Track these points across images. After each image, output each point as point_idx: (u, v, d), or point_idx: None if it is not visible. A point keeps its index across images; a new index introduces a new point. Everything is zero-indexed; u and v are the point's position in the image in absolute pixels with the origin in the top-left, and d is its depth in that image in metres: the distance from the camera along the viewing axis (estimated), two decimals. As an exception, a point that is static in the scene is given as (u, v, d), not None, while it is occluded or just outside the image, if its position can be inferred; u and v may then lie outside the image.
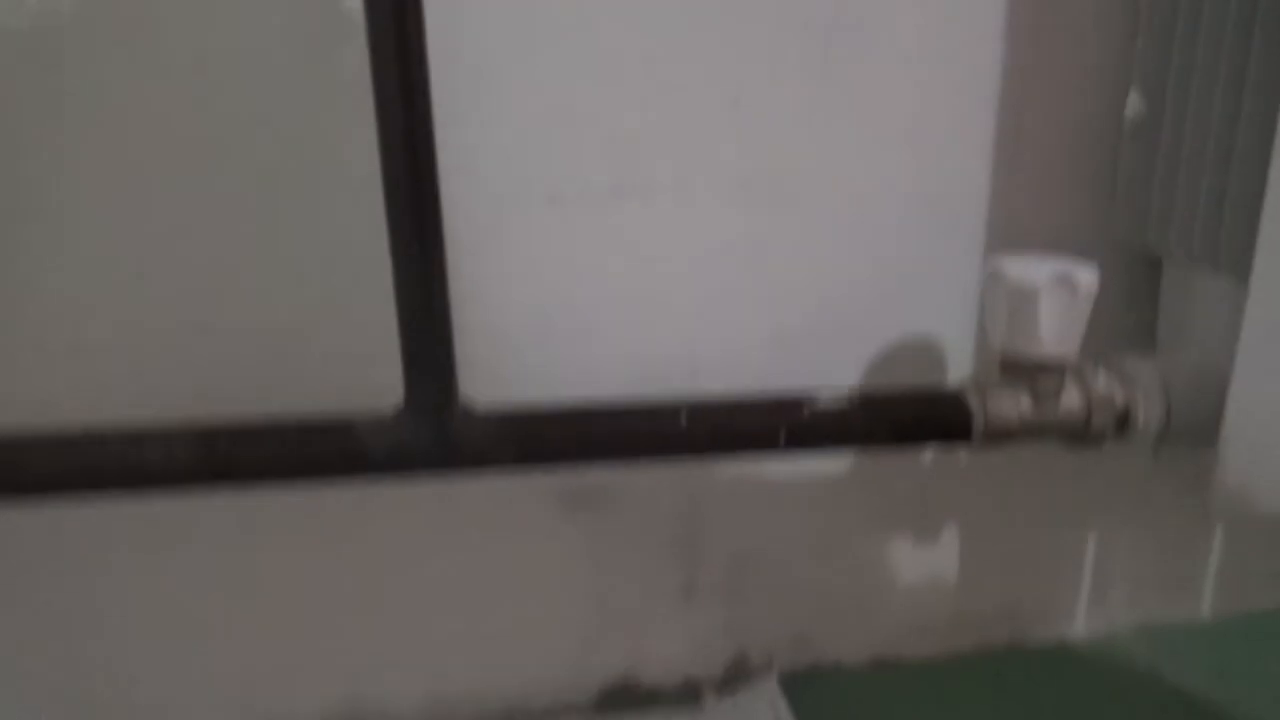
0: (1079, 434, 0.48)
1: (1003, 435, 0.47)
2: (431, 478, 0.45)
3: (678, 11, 0.49)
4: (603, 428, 0.45)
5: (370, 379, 0.45)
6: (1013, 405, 0.47)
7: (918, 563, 0.62)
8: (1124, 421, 0.48)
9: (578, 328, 0.52)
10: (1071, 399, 0.48)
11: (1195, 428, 0.48)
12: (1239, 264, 0.44)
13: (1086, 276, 0.45)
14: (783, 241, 0.53)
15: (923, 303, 0.56)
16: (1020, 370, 0.48)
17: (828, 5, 0.49)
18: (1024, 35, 0.52)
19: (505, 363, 0.52)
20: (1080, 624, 0.66)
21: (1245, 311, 0.42)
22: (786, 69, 0.50)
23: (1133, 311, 0.57)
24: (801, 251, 0.54)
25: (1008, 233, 0.55)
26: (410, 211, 0.41)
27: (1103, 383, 0.48)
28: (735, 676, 0.62)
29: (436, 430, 0.44)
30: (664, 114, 0.50)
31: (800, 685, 0.61)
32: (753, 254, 0.53)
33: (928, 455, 0.59)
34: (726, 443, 0.46)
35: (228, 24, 0.45)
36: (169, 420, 0.43)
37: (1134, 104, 0.52)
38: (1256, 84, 0.43)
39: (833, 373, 0.56)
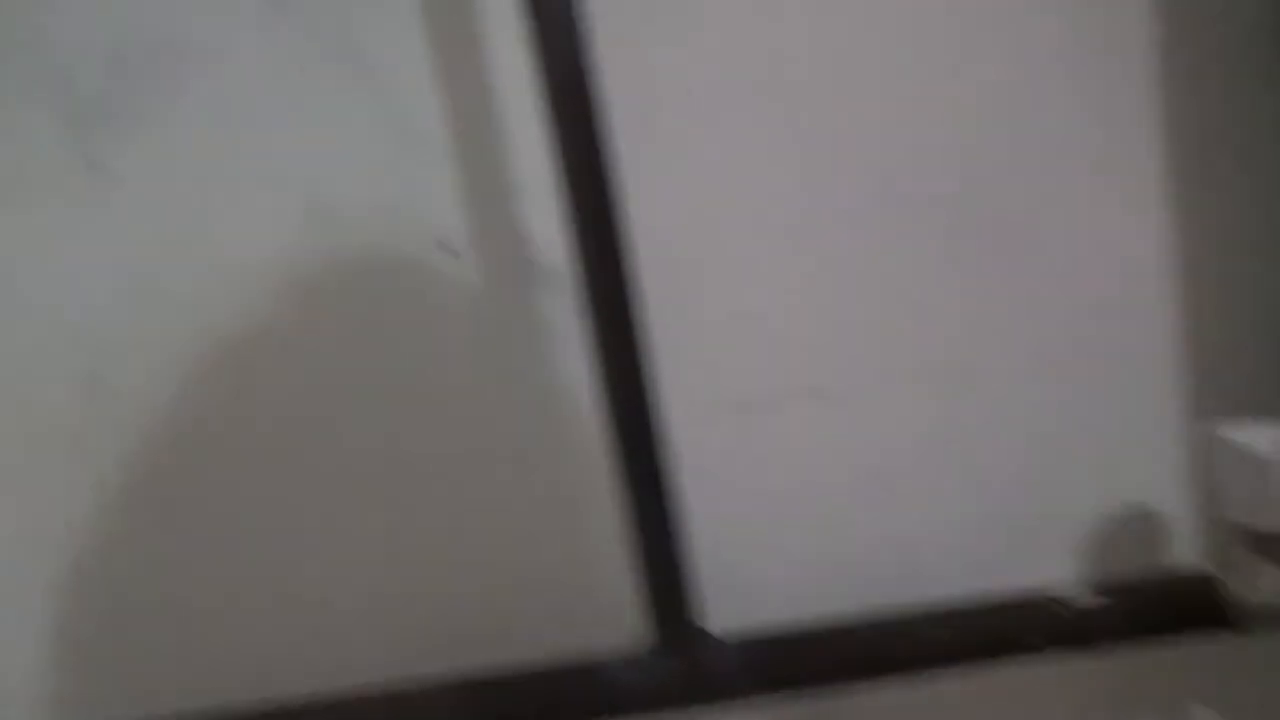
0: (1348, 608, 0.46)
1: (1266, 617, 0.45)
2: (680, 713, 0.44)
3: (853, 222, 0.51)
4: (856, 645, 0.44)
5: (603, 617, 0.45)
6: (1271, 583, 0.45)
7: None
8: (1395, 591, 0.46)
9: (784, 534, 0.52)
10: (1333, 571, 0.45)
11: None
12: None
13: (1329, 442, 0.44)
14: (978, 427, 0.53)
15: (1127, 471, 0.54)
16: (1268, 544, 0.46)
17: (996, 207, 0.51)
18: (1192, 207, 0.53)
19: (717, 578, 0.51)
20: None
21: None
22: (964, 267, 0.52)
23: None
24: (998, 434, 0.53)
25: (1201, 392, 0.54)
26: (636, 446, 0.43)
27: (1365, 550, 0.46)
28: None
29: (686, 665, 0.43)
30: (854, 318, 0.51)
31: None
32: (951, 443, 0.53)
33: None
34: (985, 650, 0.44)
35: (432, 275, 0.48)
36: (423, 676, 0.43)
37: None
38: None
39: (1045, 556, 0.54)
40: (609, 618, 0.45)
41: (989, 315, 0.53)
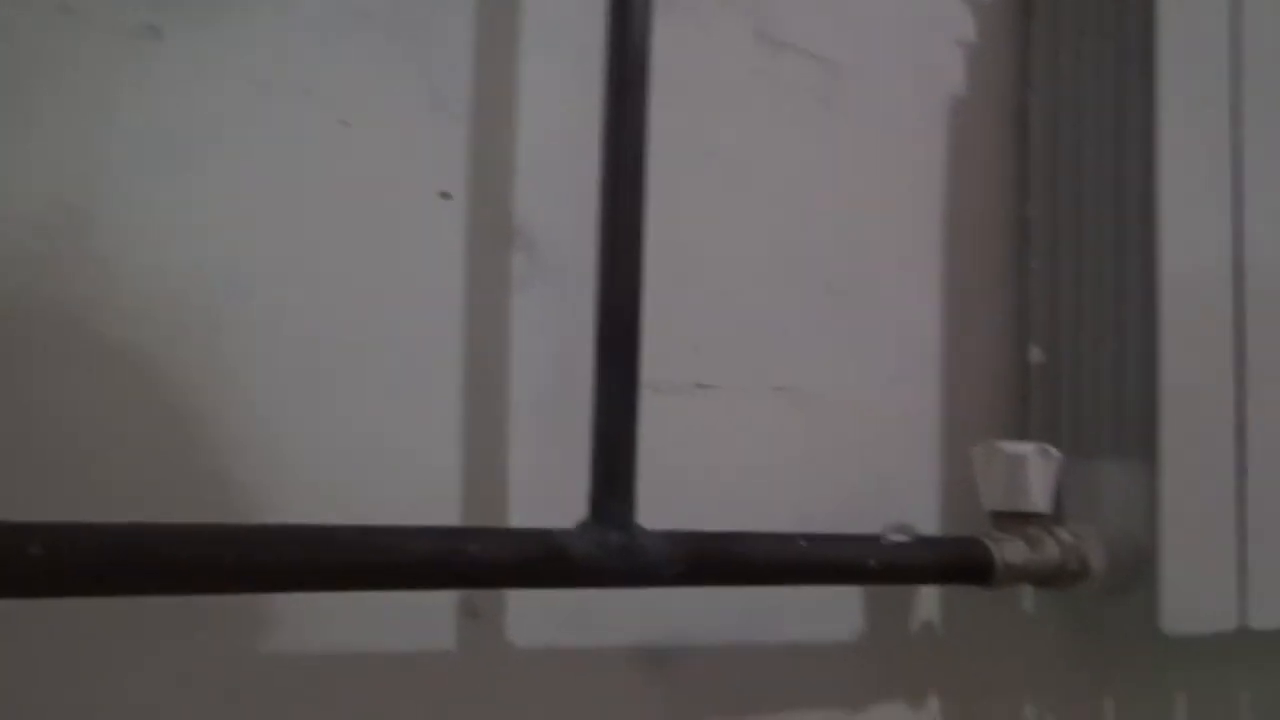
0: (1056, 576, 0.64)
1: (1014, 576, 0.62)
2: (614, 586, 0.50)
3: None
4: (755, 549, 0.54)
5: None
6: (1016, 550, 0.62)
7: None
8: (1083, 567, 0.65)
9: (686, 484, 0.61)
10: (1050, 547, 0.64)
11: (1122, 575, 0.65)
12: (1139, 455, 0.65)
13: (1054, 450, 0.64)
14: (805, 440, 0.68)
15: (900, 492, 0.71)
16: (1013, 522, 0.63)
17: (833, 269, 0.69)
18: (956, 307, 0.74)
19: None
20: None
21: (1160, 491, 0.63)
22: (812, 321, 0.68)
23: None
24: (816, 447, 0.68)
25: (957, 442, 0.73)
26: (615, 355, 0.52)
27: (1066, 535, 0.65)
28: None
29: (622, 540, 0.50)
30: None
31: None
32: (785, 448, 0.67)
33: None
34: (834, 568, 0.56)
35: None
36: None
37: (1035, 354, 0.74)
38: (1136, 333, 0.66)
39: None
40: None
41: (824, 362, 0.69)
